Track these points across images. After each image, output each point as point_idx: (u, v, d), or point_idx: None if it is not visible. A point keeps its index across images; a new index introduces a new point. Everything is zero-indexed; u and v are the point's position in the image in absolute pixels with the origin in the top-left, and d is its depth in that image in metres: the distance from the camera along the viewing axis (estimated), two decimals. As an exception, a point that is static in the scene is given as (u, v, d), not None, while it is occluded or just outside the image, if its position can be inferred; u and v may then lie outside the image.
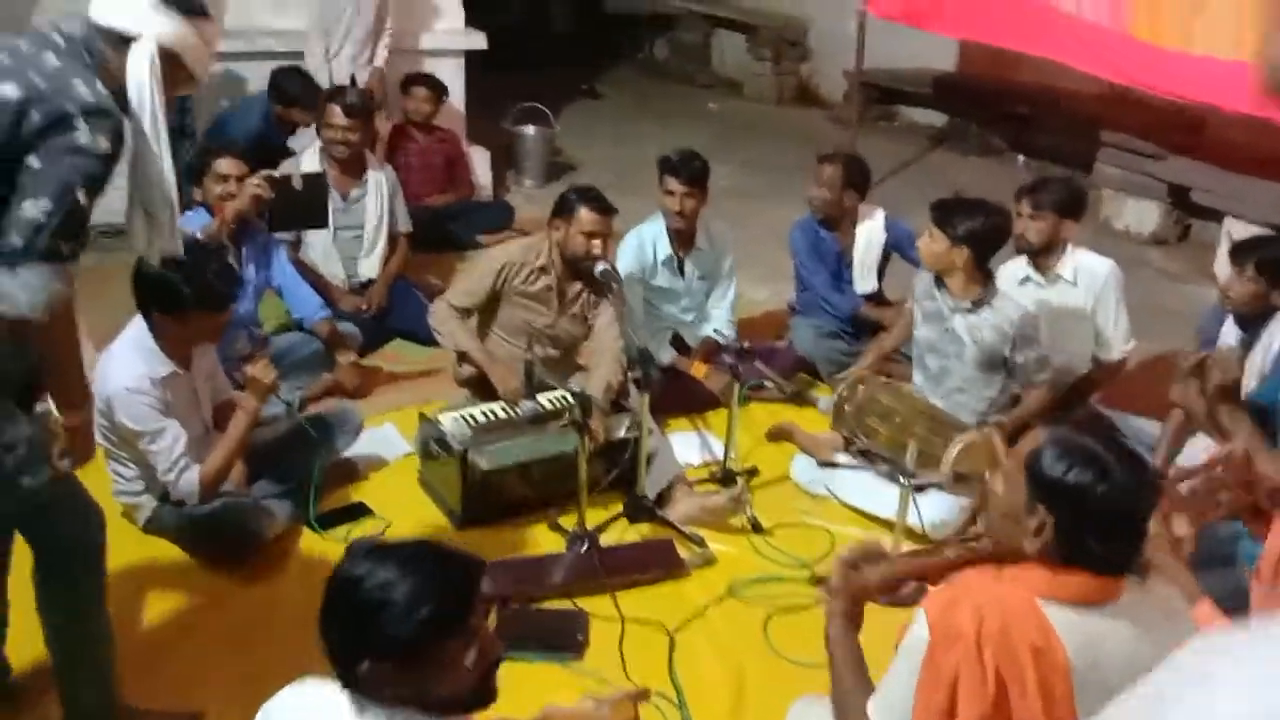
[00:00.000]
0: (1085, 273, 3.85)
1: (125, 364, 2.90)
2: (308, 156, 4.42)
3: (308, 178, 3.83)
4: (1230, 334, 3.48)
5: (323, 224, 4.05)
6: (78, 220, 1.95)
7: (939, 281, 3.55)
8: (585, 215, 3.56)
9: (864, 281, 4.43)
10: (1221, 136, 5.04)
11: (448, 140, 5.82)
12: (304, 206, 3.79)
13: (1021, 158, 8.13)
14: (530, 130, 6.77)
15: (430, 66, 5.85)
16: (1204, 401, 2.89)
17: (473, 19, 6.33)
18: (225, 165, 3.76)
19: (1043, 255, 3.86)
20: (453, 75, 6.00)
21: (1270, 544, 2.27)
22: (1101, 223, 6.57)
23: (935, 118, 8.92)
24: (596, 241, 3.57)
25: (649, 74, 11.07)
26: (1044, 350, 3.56)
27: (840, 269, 4.44)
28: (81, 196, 1.94)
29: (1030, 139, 8.06)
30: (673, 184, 3.99)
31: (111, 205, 5.23)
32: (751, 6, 10.36)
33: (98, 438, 2.92)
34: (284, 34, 5.47)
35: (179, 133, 5.02)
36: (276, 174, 3.72)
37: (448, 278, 5.26)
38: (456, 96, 6.09)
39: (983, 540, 1.99)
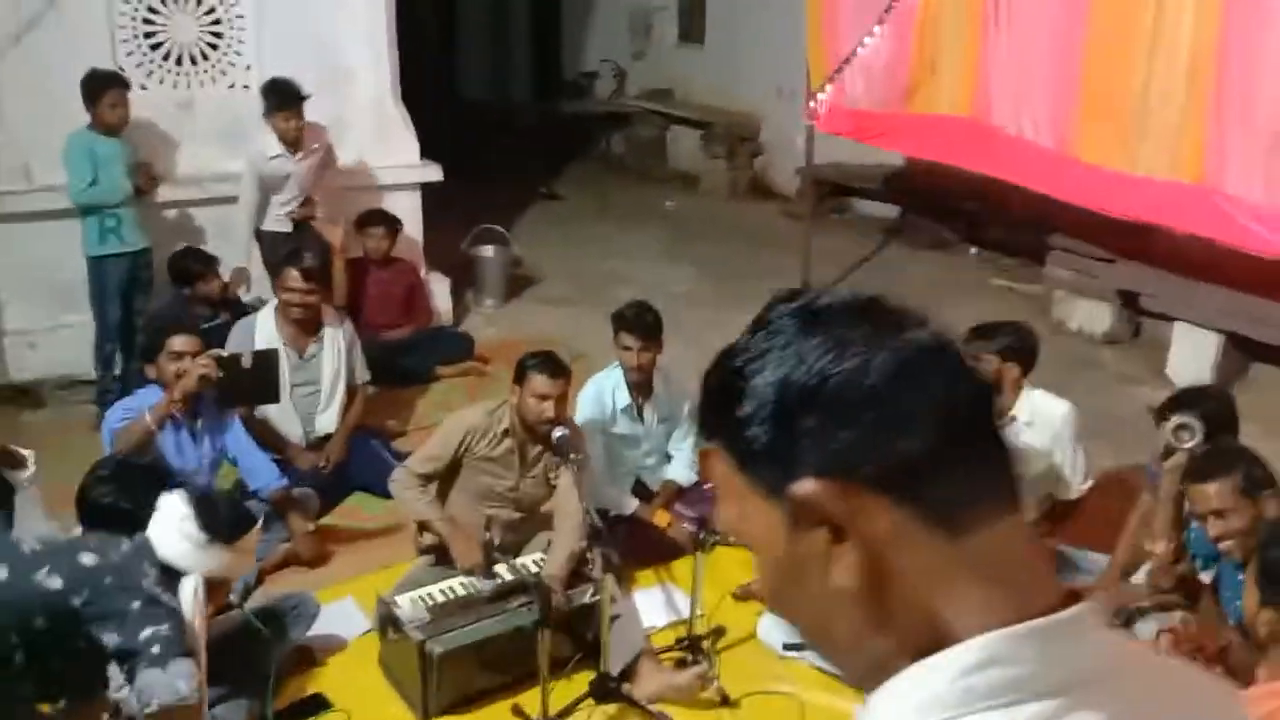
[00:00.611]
0: (1041, 415, 3.88)
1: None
2: (263, 317, 4.40)
3: (258, 355, 3.81)
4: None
5: (274, 400, 4.03)
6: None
7: None
8: (536, 379, 3.56)
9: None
10: (1169, 240, 5.15)
11: (405, 272, 5.84)
12: (253, 384, 3.77)
13: (973, 249, 8.27)
14: (489, 251, 6.81)
15: (387, 200, 5.88)
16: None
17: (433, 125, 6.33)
18: (179, 343, 3.74)
19: (995, 396, 3.89)
20: (409, 207, 6.03)
21: None
22: (1054, 323, 6.66)
23: (888, 210, 9.07)
24: (548, 404, 3.57)
25: (607, 169, 11.22)
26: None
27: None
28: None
29: (981, 232, 8.21)
30: (628, 340, 4.01)
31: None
32: (704, 104, 10.56)
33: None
34: (234, 176, 5.48)
35: (139, 330, 5.00)
36: (225, 353, 3.70)
37: (406, 416, 5.26)
38: (414, 227, 6.10)
39: None
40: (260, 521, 2.84)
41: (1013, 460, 0.81)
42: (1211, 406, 3.39)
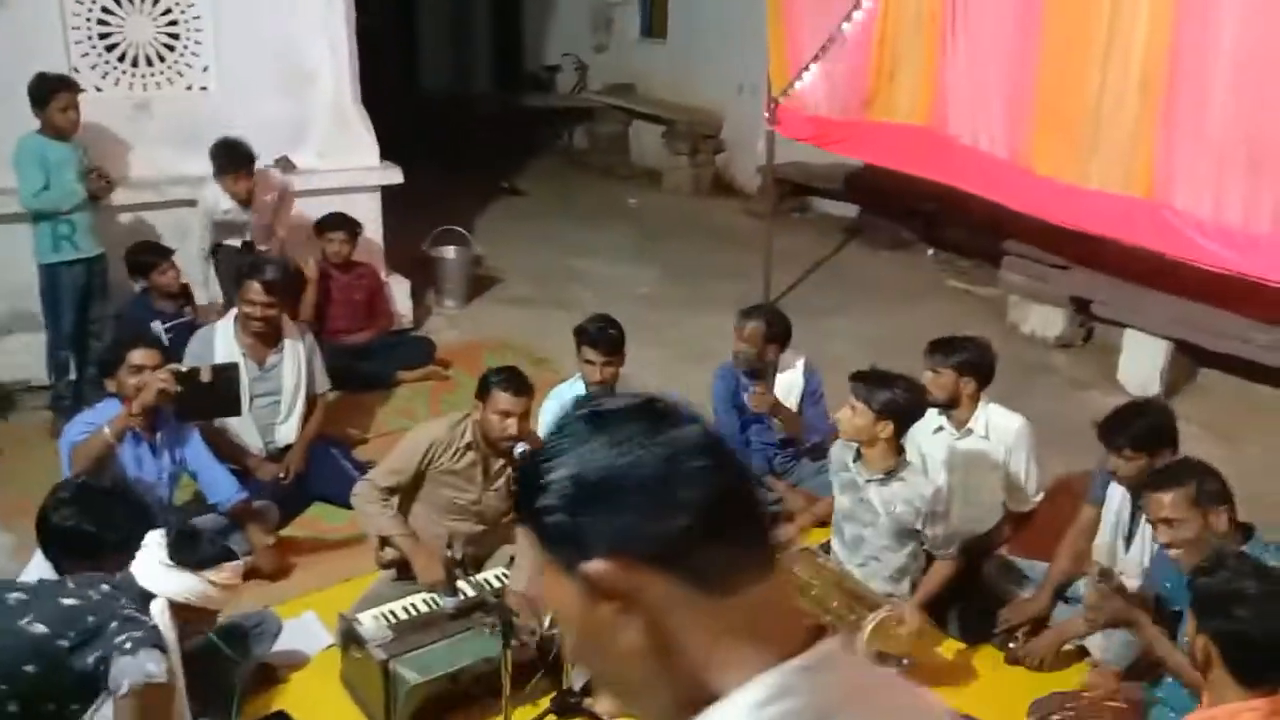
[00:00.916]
0: (996, 428, 3.97)
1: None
2: (222, 328, 4.37)
3: (217, 369, 3.78)
4: (1116, 493, 3.61)
5: (235, 413, 4.02)
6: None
7: (857, 453, 3.64)
8: (499, 396, 3.58)
9: (779, 423, 4.51)
10: (1122, 249, 5.25)
11: (366, 276, 5.82)
12: (213, 397, 3.75)
13: (931, 250, 8.38)
14: (450, 253, 6.80)
15: (346, 203, 5.84)
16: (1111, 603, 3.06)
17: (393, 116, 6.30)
18: (139, 356, 3.71)
19: (953, 408, 3.98)
20: (370, 210, 6.00)
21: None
22: (1008, 327, 6.78)
23: (848, 209, 9.15)
24: (510, 421, 3.59)
25: (569, 164, 11.20)
26: (953, 528, 3.65)
27: (761, 417, 4.52)
28: None
29: (939, 233, 8.32)
30: (591, 355, 4.04)
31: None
32: (666, 99, 10.57)
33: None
34: (191, 179, 5.42)
35: (94, 337, 4.96)
36: (184, 367, 3.67)
37: (367, 423, 5.25)
38: (375, 230, 6.07)
39: None
40: (240, 562, 2.83)
41: (770, 532, 0.98)
42: (1149, 422, 3.48)
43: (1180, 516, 2.93)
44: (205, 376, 3.69)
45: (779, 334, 4.41)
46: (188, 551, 2.65)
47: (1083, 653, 3.67)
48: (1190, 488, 2.95)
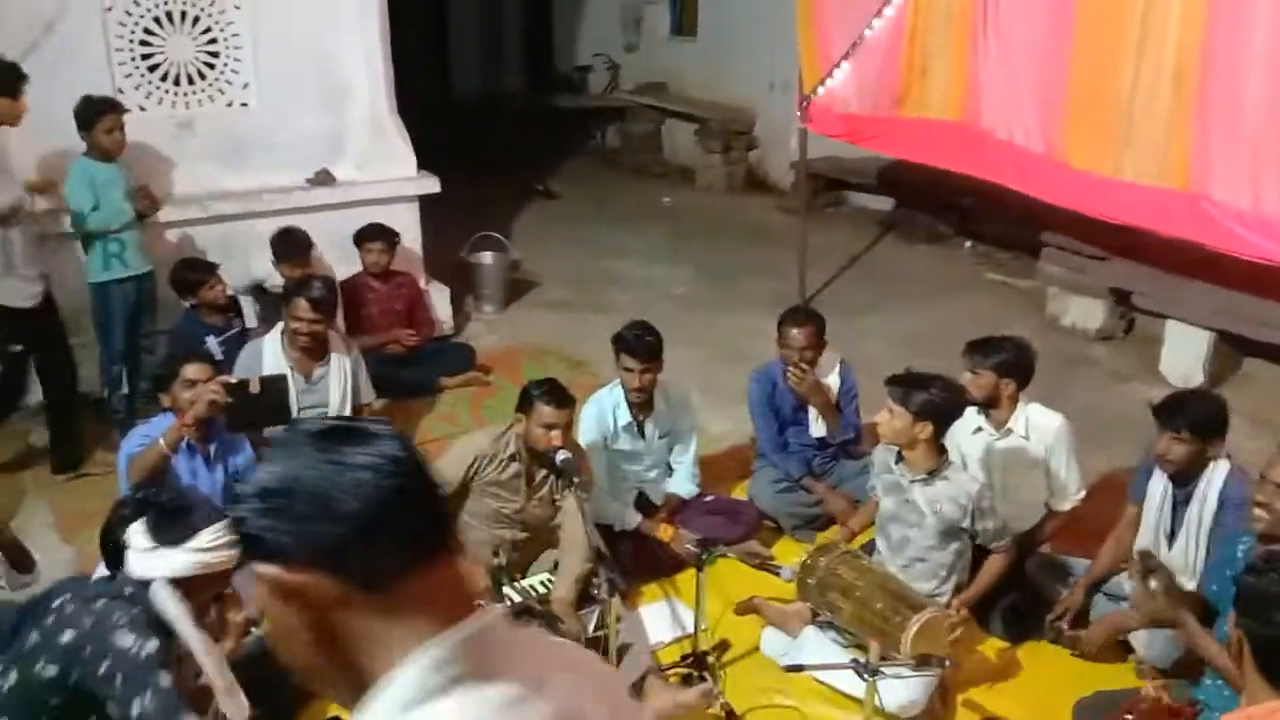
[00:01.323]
0: (1036, 428, 3.96)
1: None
2: (269, 343, 4.47)
3: (265, 380, 3.88)
4: (1158, 489, 3.60)
5: (285, 422, 4.09)
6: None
7: (898, 455, 3.66)
8: (543, 410, 3.64)
9: (817, 425, 4.53)
10: (1161, 239, 5.21)
11: (405, 285, 5.91)
12: (262, 408, 3.83)
13: (968, 243, 8.34)
14: (487, 259, 6.87)
15: (385, 213, 5.93)
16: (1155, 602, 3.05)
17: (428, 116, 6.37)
18: (192, 370, 3.80)
19: (993, 408, 3.98)
20: (408, 220, 6.09)
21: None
22: (1048, 319, 6.75)
23: (883, 202, 9.13)
24: (555, 433, 3.65)
25: (603, 164, 11.25)
26: (1002, 521, 3.66)
27: (797, 416, 4.54)
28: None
29: (976, 226, 8.28)
30: (629, 362, 4.09)
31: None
32: (698, 97, 10.59)
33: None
34: (234, 194, 5.54)
35: (146, 351, 5.09)
36: (234, 379, 3.77)
37: (411, 430, 5.33)
38: (413, 239, 6.16)
39: None
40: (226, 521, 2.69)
41: (443, 526, 1.11)
42: (1208, 408, 3.47)
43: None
44: (254, 388, 3.79)
45: (822, 338, 4.41)
46: (166, 530, 2.63)
47: (1126, 649, 3.67)
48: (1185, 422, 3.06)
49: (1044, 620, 3.85)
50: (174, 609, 2.53)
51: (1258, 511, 2.95)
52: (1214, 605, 3.12)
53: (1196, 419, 3.43)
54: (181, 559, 2.58)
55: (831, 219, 9.12)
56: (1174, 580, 3.12)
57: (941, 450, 3.64)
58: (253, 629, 3.27)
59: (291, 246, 5.38)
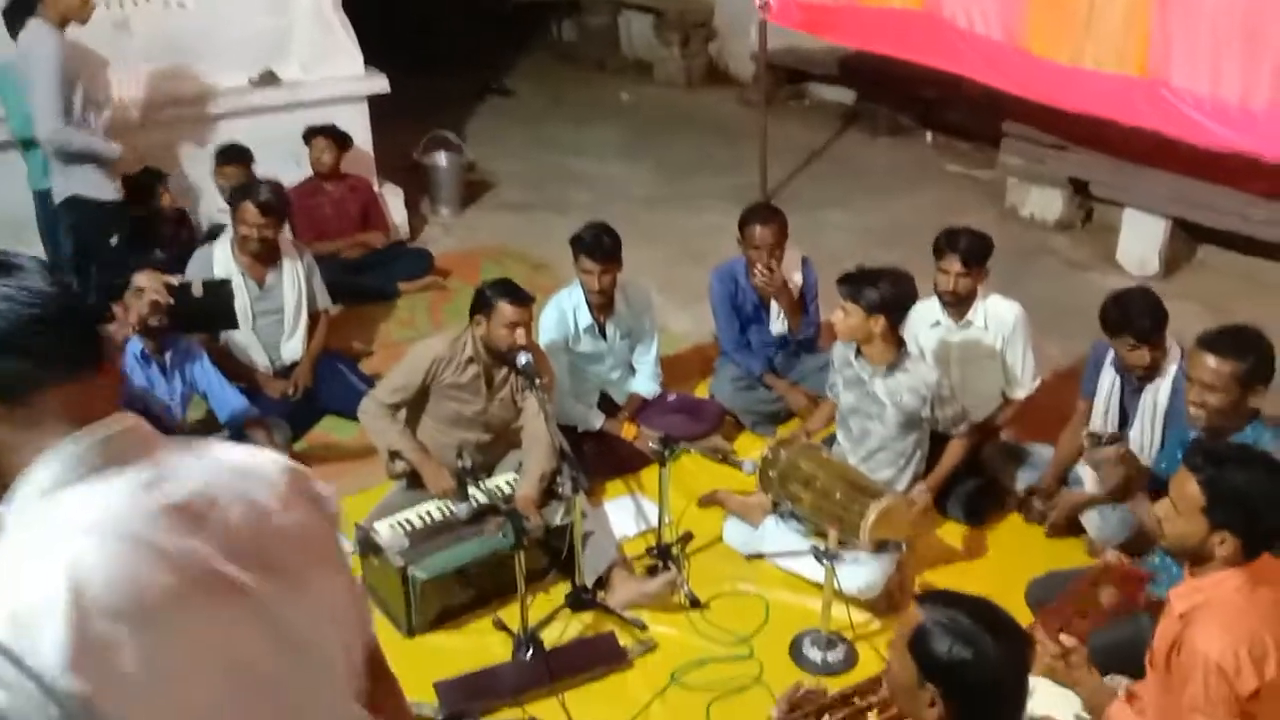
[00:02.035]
0: (994, 318, 4.00)
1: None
2: (219, 249, 4.38)
3: (209, 284, 3.79)
4: (1107, 381, 3.67)
5: (231, 326, 4.04)
6: None
7: (857, 350, 3.69)
8: (505, 309, 3.61)
9: (778, 322, 4.54)
10: (1120, 127, 5.19)
11: (359, 188, 5.78)
12: (207, 312, 3.77)
13: (930, 135, 8.28)
14: (441, 160, 6.72)
15: (333, 114, 5.76)
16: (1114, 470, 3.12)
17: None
18: (142, 279, 3.75)
19: (967, 303, 4.00)
20: (356, 120, 5.92)
21: (1160, 633, 2.47)
22: (1007, 209, 6.75)
23: (845, 95, 9.00)
24: (520, 331, 3.63)
25: (558, 59, 10.94)
26: (961, 408, 3.72)
27: (759, 314, 4.55)
28: None
29: (938, 116, 8.20)
30: (588, 264, 4.05)
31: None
32: (655, -12, 10.27)
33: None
34: (177, 100, 5.34)
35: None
36: (176, 281, 3.68)
37: (371, 336, 5.30)
38: (363, 141, 6.01)
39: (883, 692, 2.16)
40: None
41: (91, 346, 1.20)
42: (1150, 315, 3.49)
43: (1219, 385, 2.92)
44: (197, 290, 3.71)
45: (785, 234, 4.38)
46: None
47: (1078, 529, 3.79)
48: (1245, 364, 2.92)
49: (1002, 504, 3.97)
50: None
51: (1194, 411, 2.99)
52: (1161, 484, 3.21)
53: (1141, 330, 3.46)
54: None
55: (793, 112, 8.99)
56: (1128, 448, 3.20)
57: (899, 342, 3.68)
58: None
59: (228, 154, 5.20)
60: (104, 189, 4.58)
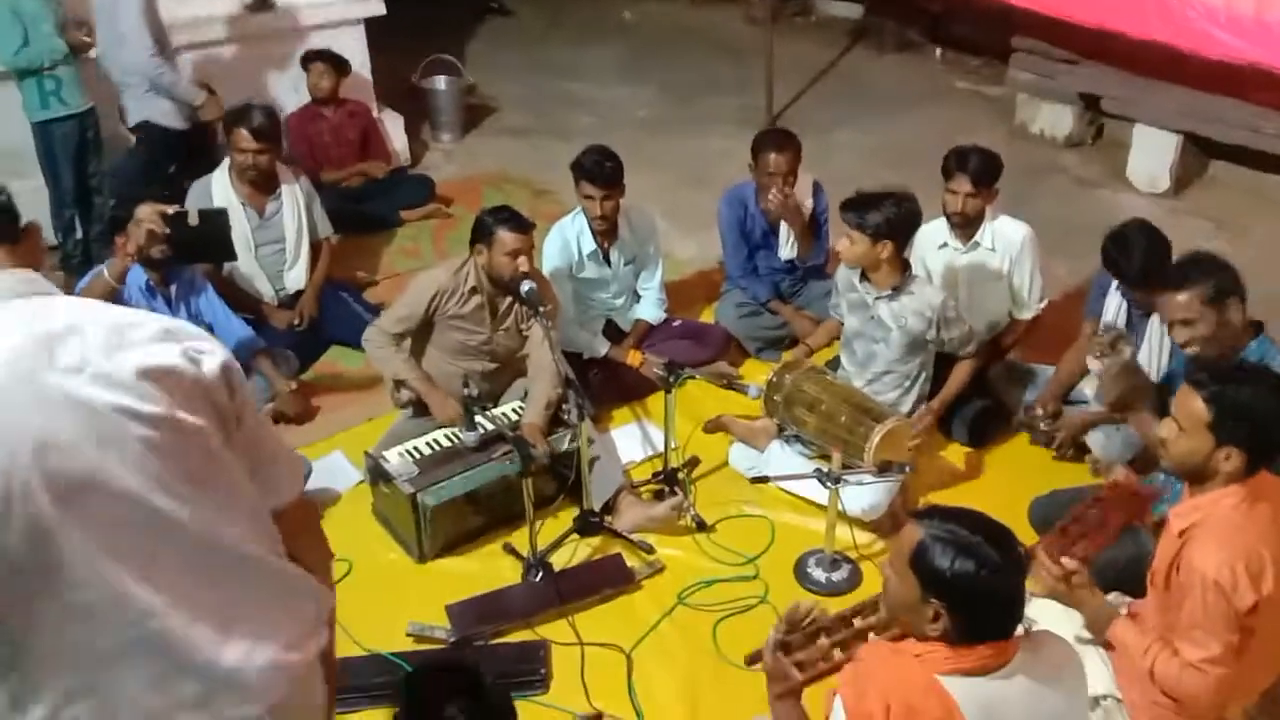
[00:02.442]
0: (1002, 239, 3.96)
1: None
2: (218, 177, 4.35)
3: (204, 214, 3.73)
4: (1113, 304, 3.65)
5: (228, 258, 4.01)
6: None
7: (862, 274, 3.67)
8: (505, 236, 3.59)
9: (787, 248, 4.50)
10: (1130, 41, 5.08)
11: (358, 114, 5.71)
12: (204, 242, 3.70)
13: (939, 51, 8.12)
14: (441, 84, 6.62)
15: (330, 39, 5.66)
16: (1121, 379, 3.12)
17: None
18: (143, 212, 3.70)
19: (975, 224, 3.96)
20: (354, 45, 5.82)
21: (1159, 552, 2.50)
22: (1017, 126, 6.65)
23: (852, 9, 8.81)
24: (522, 259, 3.61)
25: (557, -25, 10.70)
26: (969, 328, 3.71)
27: (768, 239, 4.51)
28: None
29: (946, 31, 8.04)
30: (589, 190, 4.01)
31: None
32: (657, -100, 9.97)
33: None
34: (173, 25, 5.23)
35: (96, 190, 4.92)
36: (171, 210, 3.64)
37: (374, 265, 5.28)
38: (362, 66, 5.91)
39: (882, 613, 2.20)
40: None
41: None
42: (1154, 261, 3.41)
43: (1194, 315, 2.92)
44: (193, 220, 3.65)
45: (798, 160, 4.31)
46: None
47: (1082, 449, 3.81)
48: (1204, 286, 2.91)
49: (1007, 425, 3.98)
50: None
51: (1187, 351, 2.97)
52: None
53: (1139, 270, 3.41)
54: None
55: (799, 29, 8.82)
56: (1135, 355, 3.20)
57: (905, 265, 3.65)
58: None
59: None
60: (176, 119, 4.90)
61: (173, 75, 4.81)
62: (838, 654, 2.20)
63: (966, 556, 1.86)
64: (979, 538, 1.88)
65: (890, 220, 3.49)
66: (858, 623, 2.25)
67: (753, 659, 2.29)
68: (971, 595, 1.87)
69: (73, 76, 4.73)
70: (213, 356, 1.43)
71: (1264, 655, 2.39)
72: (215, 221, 3.75)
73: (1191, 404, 2.33)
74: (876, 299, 3.65)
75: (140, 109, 4.87)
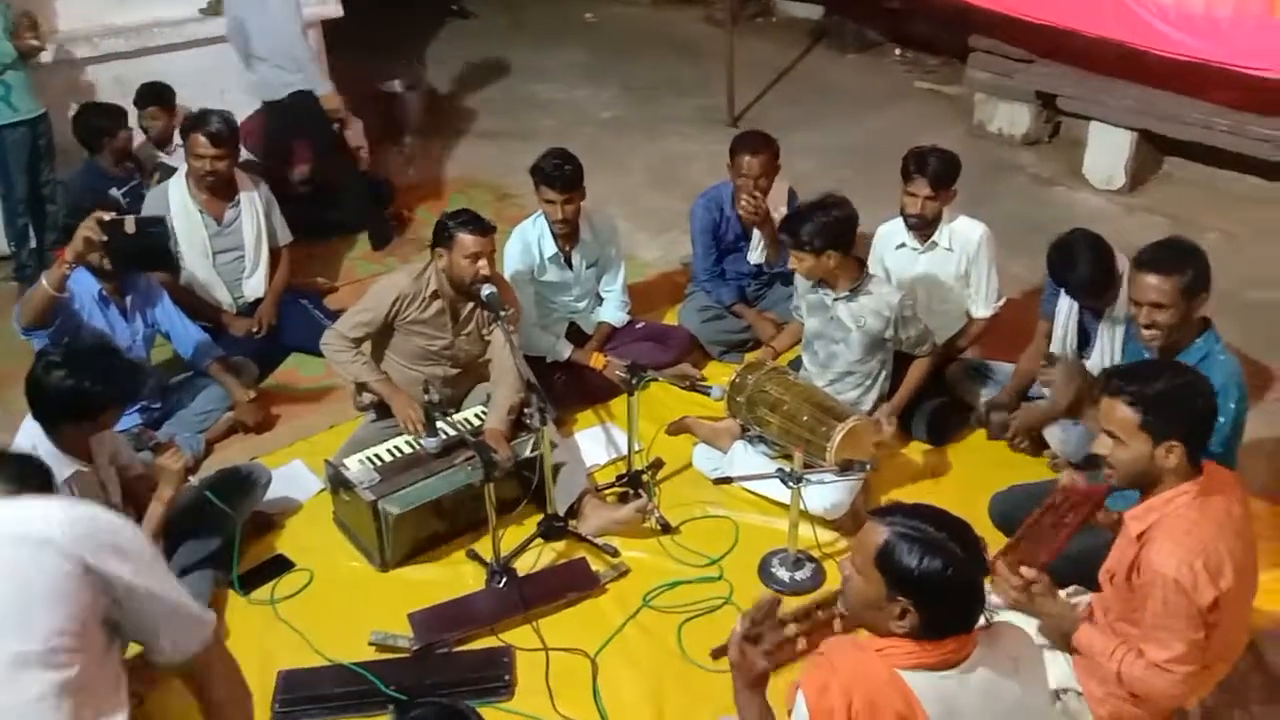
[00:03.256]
0: (959, 238, 3.99)
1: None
2: (174, 185, 4.29)
3: (142, 221, 3.65)
4: (1064, 306, 3.70)
5: (167, 267, 3.96)
6: None
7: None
8: (465, 239, 3.57)
9: (757, 253, 4.50)
10: (1086, 39, 5.14)
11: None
12: (142, 250, 3.64)
13: (898, 50, 8.18)
14: (401, 87, 6.57)
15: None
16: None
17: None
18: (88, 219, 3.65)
19: (934, 225, 3.98)
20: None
21: (1118, 555, 2.53)
22: (975, 125, 6.71)
23: (812, 10, 8.85)
24: (482, 262, 3.59)
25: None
26: (924, 326, 3.73)
27: (738, 244, 4.52)
28: None
29: (905, 30, 8.10)
30: (549, 194, 4.00)
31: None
32: (617, -98, 9.97)
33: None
34: (128, 30, 5.18)
35: (49, 199, 4.85)
36: (108, 217, 3.57)
37: (335, 271, 5.24)
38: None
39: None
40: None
41: None
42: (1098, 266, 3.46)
43: (1168, 301, 2.93)
44: (130, 227, 3.59)
45: (777, 162, 4.31)
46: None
47: (1041, 445, 3.85)
48: (1183, 274, 2.92)
49: (965, 422, 4.01)
50: None
51: (1147, 334, 3.00)
52: None
53: (1082, 280, 3.47)
54: None
55: (760, 29, 8.85)
56: (1084, 369, 3.24)
57: (860, 265, 3.67)
58: (190, 478, 3.29)
59: (147, 96, 5.02)
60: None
61: (311, 52, 5.10)
62: (802, 643, 2.21)
63: (934, 554, 1.87)
64: (944, 534, 1.90)
65: (825, 230, 3.49)
66: (820, 614, 2.26)
67: (718, 652, 2.29)
68: (939, 591, 1.89)
69: (22, 81, 4.67)
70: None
71: (1221, 646, 2.43)
72: (152, 230, 3.67)
73: (1118, 412, 2.36)
74: (835, 300, 3.67)
75: (268, 86, 5.08)
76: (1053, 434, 3.78)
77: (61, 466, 2.90)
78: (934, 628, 1.92)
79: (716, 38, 7.64)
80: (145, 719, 2.78)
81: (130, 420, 3.67)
